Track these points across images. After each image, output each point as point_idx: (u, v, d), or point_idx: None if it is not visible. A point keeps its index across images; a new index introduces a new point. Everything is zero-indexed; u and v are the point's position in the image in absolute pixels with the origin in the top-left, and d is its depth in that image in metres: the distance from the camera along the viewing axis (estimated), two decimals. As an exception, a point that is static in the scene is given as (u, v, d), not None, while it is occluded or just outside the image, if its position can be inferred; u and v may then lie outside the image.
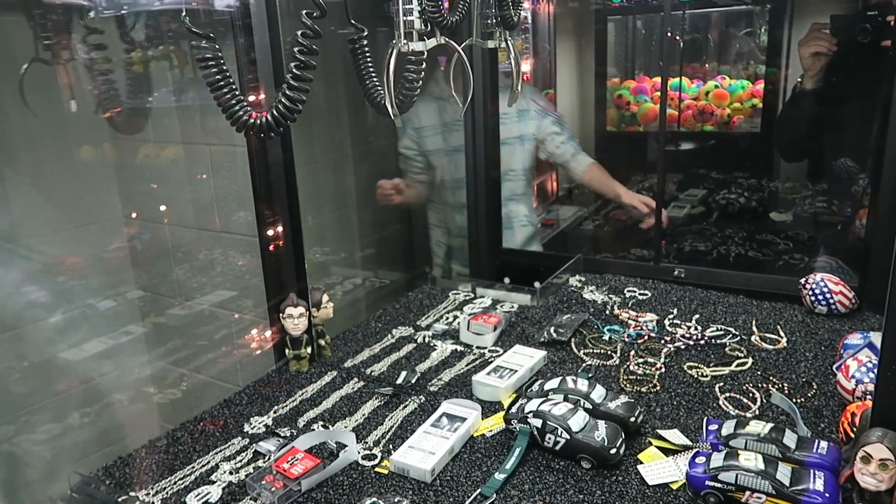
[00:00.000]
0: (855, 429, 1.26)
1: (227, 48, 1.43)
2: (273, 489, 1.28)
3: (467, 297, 2.25)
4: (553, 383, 1.50)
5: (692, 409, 1.52)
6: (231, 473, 1.38)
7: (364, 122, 2.79)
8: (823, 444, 1.26)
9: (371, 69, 1.43)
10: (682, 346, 1.80)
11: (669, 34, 2.74)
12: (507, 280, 2.33)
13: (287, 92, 1.22)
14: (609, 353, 1.79)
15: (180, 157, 2.37)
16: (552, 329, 1.90)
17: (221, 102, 1.21)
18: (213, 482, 1.35)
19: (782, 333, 1.83)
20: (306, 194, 1.89)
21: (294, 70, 1.21)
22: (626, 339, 1.85)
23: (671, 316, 1.99)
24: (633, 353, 1.78)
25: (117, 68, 2.08)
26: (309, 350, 1.79)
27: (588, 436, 1.32)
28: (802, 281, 1.96)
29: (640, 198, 2.62)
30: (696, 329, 1.89)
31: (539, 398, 1.44)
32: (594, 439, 1.31)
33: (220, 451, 1.46)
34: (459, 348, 1.88)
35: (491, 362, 1.73)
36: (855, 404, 1.38)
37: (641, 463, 1.34)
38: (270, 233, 1.80)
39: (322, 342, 1.86)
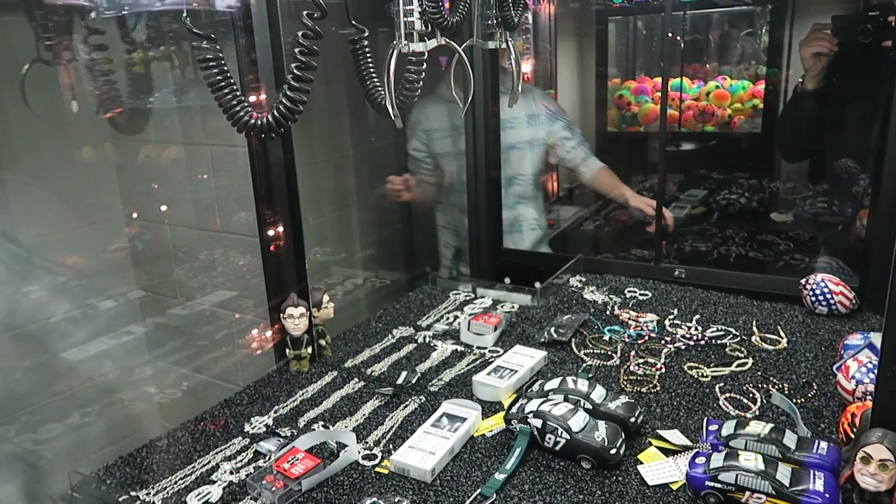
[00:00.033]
0: (855, 429, 1.26)
1: (227, 49, 1.43)
2: (273, 489, 1.28)
3: (468, 298, 2.25)
4: (553, 383, 1.50)
5: (692, 409, 1.52)
6: (232, 473, 1.38)
7: (365, 122, 2.79)
8: (823, 444, 1.26)
9: (372, 70, 1.43)
10: (683, 347, 1.80)
11: (670, 35, 2.74)
12: (507, 280, 2.33)
13: (288, 93, 1.22)
14: (609, 353, 1.80)
15: (181, 157, 2.37)
16: (552, 329, 1.90)
17: (222, 103, 1.21)
18: (214, 482, 1.36)
19: (783, 334, 1.83)
20: (307, 194, 1.89)
21: (295, 71, 1.21)
22: (627, 340, 1.85)
23: (671, 316, 1.99)
24: (633, 353, 1.78)
25: (118, 69, 2.08)
26: (309, 350, 1.80)
27: (588, 436, 1.32)
28: (803, 281, 1.96)
29: (646, 201, 2.62)
30: (696, 329, 1.89)
31: (539, 398, 1.44)
32: (594, 439, 1.31)
33: (221, 450, 1.46)
34: (460, 348, 1.88)
35: (491, 362, 1.73)
36: (855, 405, 1.38)
37: (641, 463, 1.34)
38: (271, 233, 1.80)
39: (323, 342, 1.87)
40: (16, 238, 2.14)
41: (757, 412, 1.49)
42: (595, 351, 1.82)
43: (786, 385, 1.58)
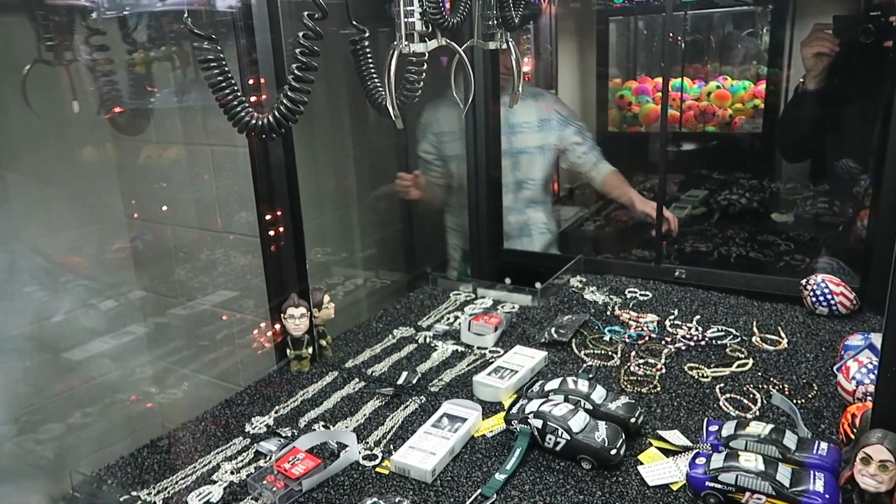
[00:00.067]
0: (855, 430, 1.26)
1: (228, 49, 1.43)
2: (274, 489, 1.28)
3: (468, 298, 2.25)
4: (554, 384, 1.50)
5: (692, 409, 1.52)
6: (232, 473, 1.38)
7: (365, 122, 2.79)
8: (824, 445, 1.26)
9: (372, 70, 1.43)
10: (683, 347, 1.80)
11: (671, 37, 2.74)
12: (507, 281, 2.33)
13: (289, 93, 1.22)
14: (610, 353, 1.80)
15: (182, 157, 2.38)
16: (553, 330, 1.90)
17: (223, 103, 1.21)
18: (215, 482, 1.36)
19: (783, 334, 1.83)
20: (308, 195, 1.89)
21: (295, 71, 1.22)
22: (627, 340, 1.85)
23: (672, 317, 1.99)
24: (633, 353, 1.78)
25: (119, 69, 2.08)
26: (310, 350, 1.80)
27: (588, 436, 1.32)
28: (803, 282, 1.96)
29: (653, 205, 2.61)
30: (696, 330, 1.89)
31: (539, 399, 1.44)
32: (594, 440, 1.31)
33: (222, 450, 1.46)
34: (460, 349, 1.88)
35: (492, 363, 1.73)
36: (855, 405, 1.38)
37: (642, 464, 1.34)
38: (272, 233, 1.80)
39: (323, 342, 1.87)
40: (18, 238, 2.15)
41: (757, 413, 1.49)
42: (595, 351, 1.82)
43: (786, 386, 1.58)
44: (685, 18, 3.21)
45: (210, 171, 2.30)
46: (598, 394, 1.45)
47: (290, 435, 1.50)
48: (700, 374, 1.66)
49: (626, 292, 2.19)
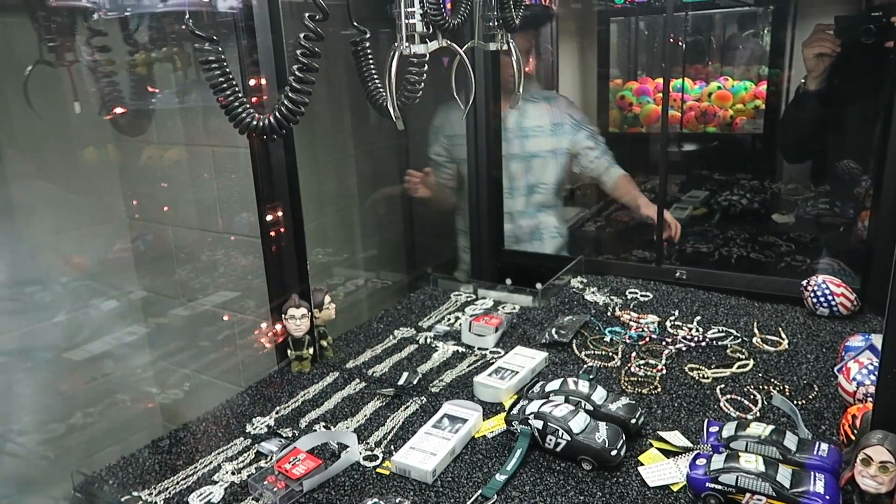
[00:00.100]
0: (856, 431, 1.26)
1: (229, 50, 1.43)
2: (275, 489, 1.28)
3: (469, 299, 2.25)
4: (554, 385, 1.50)
5: (693, 410, 1.52)
6: (233, 474, 1.38)
7: (366, 123, 2.79)
8: (824, 446, 1.26)
9: (373, 71, 1.43)
10: (684, 348, 1.80)
11: (672, 40, 2.73)
12: (508, 281, 2.33)
13: (290, 94, 1.23)
14: (610, 354, 1.80)
15: (183, 158, 2.38)
16: (553, 330, 1.90)
17: (224, 104, 1.21)
18: (216, 482, 1.36)
19: (784, 335, 1.83)
20: (308, 195, 1.90)
21: (297, 72, 1.22)
22: (628, 341, 1.86)
23: (672, 317, 1.99)
24: (634, 354, 1.78)
25: (121, 70, 2.08)
26: (311, 351, 1.80)
27: (589, 437, 1.32)
28: (804, 283, 1.96)
29: (655, 208, 2.61)
30: (697, 331, 1.89)
31: (540, 399, 1.44)
32: (595, 441, 1.32)
33: (223, 451, 1.46)
34: (461, 349, 1.88)
35: (492, 363, 1.73)
36: (856, 406, 1.38)
37: (642, 464, 1.34)
38: (273, 234, 1.80)
39: (324, 343, 1.87)
40: (19, 238, 2.15)
41: (758, 414, 1.49)
42: (596, 352, 1.82)
43: (787, 386, 1.58)
44: (686, 19, 3.21)
45: (211, 171, 2.31)
46: (599, 395, 1.46)
47: (290, 435, 1.50)
48: (701, 375, 1.66)
49: (627, 293, 2.19)
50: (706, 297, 2.12)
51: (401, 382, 1.68)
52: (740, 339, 1.82)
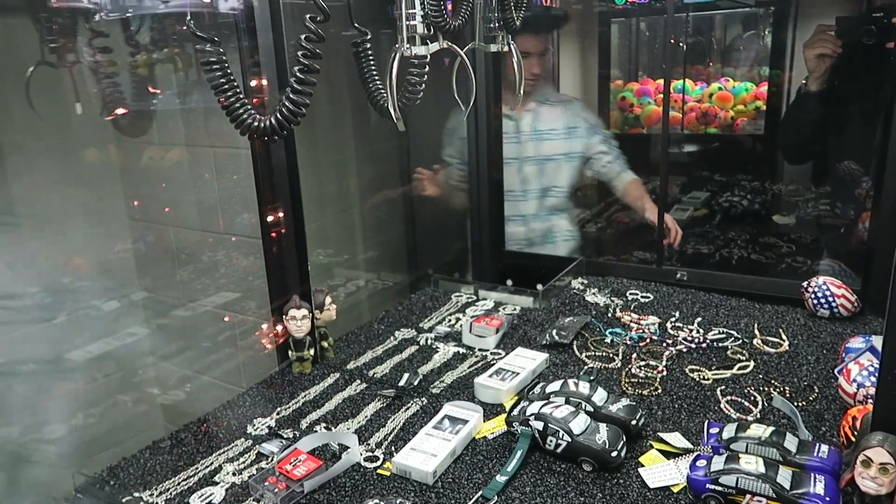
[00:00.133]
0: (856, 432, 1.26)
1: (231, 51, 1.44)
2: (276, 490, 1.28)
3: (470, 300, 2.25)
4: (555, 386, 1.50)
5: (693, 412, 1.52)
6: (234, 475, 1.39)
7: (367, 124, 2.79)
8: (824, 447, 1.26)
9: (374, 72, 1.44)
10: (684, 349, 1.80)
11: (673, 41, 2.73)
12: (509, 282, 2.33)
13: (291, 95, 1.23)
14: (611, 355, 1.80)
15: (184, 159, 2.38)
16: (554, 331, 1.90)
17: (225, 105, 1.21)
18: (217, 483, 1.36)
19: (784, 337, 1.83)
20: (309, 196, 1.90)
21: (298, 73, 1.22)
22: (628, 342, 1.86)
23: (673, 319, 1.99)
24: (634, 355, 1.78)
25: (122, 71, 2.09)
26: (312, 352, 1.80)
27: (589, 438, 1.32)
28: (805, 284, 1.96)
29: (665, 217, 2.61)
30: (697, 332, 1.89)
31: (540, 401, 1.44)
32: (595, 442, 1.32)
33: (224, 452, 1.47)
34: (462, 350, 1.89)
35: (493, 364, 1.73)
36: (856, 408, 1.38)
37: (642, 466, 1.34)
38: (274, 234, 1.80)
39: (325, 344, 1.87)
40: (20, 239, 2.15)
41: (758, 415, 1.49)
42: (596, 353, 1.82)
43: (787, 388, 1.58)
44: (687, 20, 3.21)
45: (212, 172, 2.31)
46: (599, 396, 1.46)
47: (291, 436, 1.50)
48: (701, 377, 1.66)
49: (628, 294, 2.19)
50: (707, 298, 2.12)
51: (401, 383, 1.68)
52: (741, 341, 1.82)
